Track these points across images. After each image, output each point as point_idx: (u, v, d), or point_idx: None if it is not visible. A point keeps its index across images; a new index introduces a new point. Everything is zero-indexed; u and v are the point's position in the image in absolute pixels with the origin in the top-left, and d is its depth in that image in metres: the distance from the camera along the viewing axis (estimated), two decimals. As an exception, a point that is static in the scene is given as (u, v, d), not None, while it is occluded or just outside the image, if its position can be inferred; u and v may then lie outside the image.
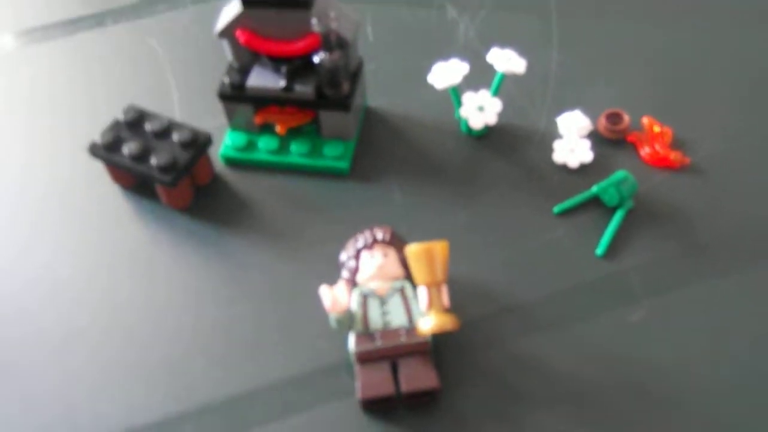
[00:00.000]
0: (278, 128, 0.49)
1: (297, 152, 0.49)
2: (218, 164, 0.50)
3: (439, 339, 0.40)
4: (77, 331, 0.43)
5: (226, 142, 0.50)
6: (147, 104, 0.49)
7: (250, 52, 0.47)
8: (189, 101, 0.54)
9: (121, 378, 0.41)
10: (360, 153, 0.50)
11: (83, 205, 0.49)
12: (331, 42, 0.44)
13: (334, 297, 0.38)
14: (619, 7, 0.59)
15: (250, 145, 0.50)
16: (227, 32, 0.46)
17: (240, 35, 0.45)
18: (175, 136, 0.46)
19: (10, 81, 0.57)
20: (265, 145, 0.49)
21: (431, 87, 0.50)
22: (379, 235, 0.41)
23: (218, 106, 0.50)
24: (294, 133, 0.50)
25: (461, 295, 0.42)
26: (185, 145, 0.46)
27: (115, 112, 0.49)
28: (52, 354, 0.42)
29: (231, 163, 0.50)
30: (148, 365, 0.41)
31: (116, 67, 0.57)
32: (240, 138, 0.50)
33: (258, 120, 0.49)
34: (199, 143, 0.46)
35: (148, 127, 0.47)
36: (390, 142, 0.51)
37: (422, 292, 0.38)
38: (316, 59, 0.45)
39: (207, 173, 0.49)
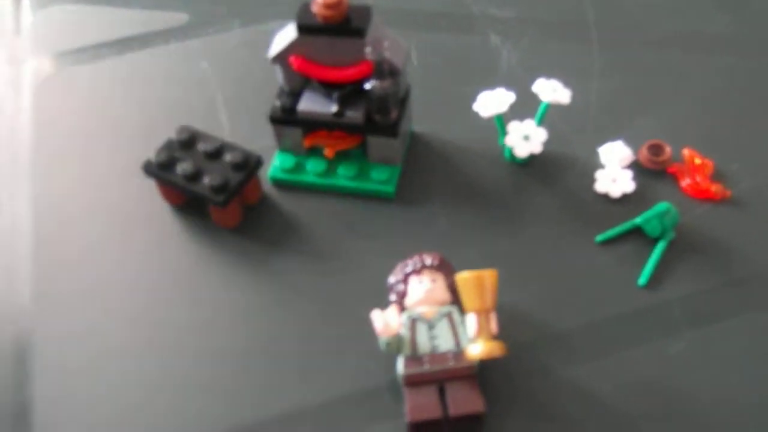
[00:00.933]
0: (326, 151, 0.50)
1: (344, 175, 0.50)
2: (266, 185, 0.51)
3: (483, 364, 0.41)
4: (126, 347, 0.44)
5: (274, 164, 0.51)
6: (197, 124, 0.51)
7: (302, 76, 0.48)
8: (238, 122, 0.55)
9: (170, 395, 0.42)
10: (405, 177, 0.51)
11: (135, 222, 0.50)
12: (384, 70, 0.45)
13: (386, 321, 0.39)
14: (660, 38, 0.60)
15: (298, 167, 0.51)
16: (281, 57, 0.47)
17: (294, 61, 0.47)
18: (227, 157, 0.48)
19: (62, 100, 0.59)
20: (313, 167, 0.51)
21: (474, 113, 0.51)
22: (428, 260, 0.42)
23: (267, 128, 0.51)
24: (341, 156, 0.51)
25: (504, 322, 0.42)
26: (237, 166, 0.47)
27: (166, 132, 0.50)
28: (103, 367, 0.43)
29: (279, 184, 0.51)
30: (197, 383, 0.43)
31: (166, 88, 0.58)
32: (288, 160, 0.51)
33: (307, 143, 0.50)
34: (250, 164, 0.48)
35: (201, 147, 0.48)
36: (434, 167, 0.52)
37: (471, 318, 0.39)
38: (367, 86, 0.46)
39: (256, 193, 0.50)
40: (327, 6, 0.44)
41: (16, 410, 0.42)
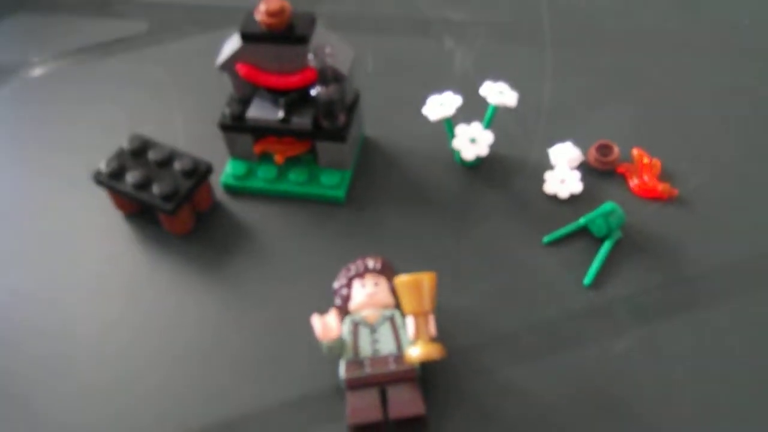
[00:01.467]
0: (276, 158, 0.50)
1: (295, 181, 0.51)
2: (218, 191, 0.52)
3: (426, 366, 0.41)
4: (78, 352, 0.44)
5: (226, 170, 0.52)
6: (153, 132, 0.51)
7: (250, 84, 0.49)
8: (193, 129, 0.56)
9: (121, 399, 0.42)
10: (356, 182, 0.51)
11: (87, 230, 0.50)
12: (327, 76, 0.46)
13: (325, 325, 0.39)
14: (612, 41, 0.60)
15: (250, 174, 0.51)
16: (228, 65, 0.48)
17: (240, 68, 0.47)
18: (177, 165, 0.48)
19: (20, 107, 0.59)
20: (264, 173, 0.51)
21: (426, 117, 0.52)
22: (371, 264, 0.42)
23: (221, 134, 0.51)
24: (292, 162, 0.51)
25: (449, 324, 0.43)
26: (186, 173, 0.48)
27: (121, 139, 0.51)
28: (50, 373, 0.44)
29: (231, 190, 0.52)
30: (148, 387, 0.43)
31: (123, 95, 0.59)
32: (240, 166, 0.51)
33: (257, 149, 0.51)
34: (199, 172, 0.48)
35: (151, 156, 0.49)
36: (385, 171, 0.52)
37: (410, 321, 0.39)
38: (312, 92, 0.47)
39: (207, 200, 0.50)
40: (270, 14, 0.44)
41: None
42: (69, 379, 0.43)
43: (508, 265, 0.47)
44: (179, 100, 0.58)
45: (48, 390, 0.43)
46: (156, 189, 0.47)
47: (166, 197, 0.47)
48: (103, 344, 0.45)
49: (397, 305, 0.41)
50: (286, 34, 0.45)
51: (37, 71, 0.62)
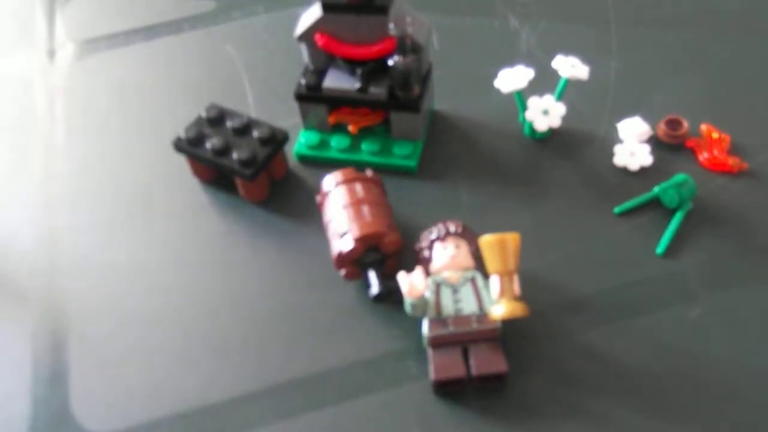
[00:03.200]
0: (350, 128, 0.51)
1: (368, 151, 0.52)
2: (292, 162, 0.53)
3: (506, 327, 0.42)
4: (160, 315, 0.46)
5: (300, 140, 0.53)
6: (224, 106, 0.52)
7: (326, 55, 0.50)
8: (263, 103, 0.57)
9: (203, 357, 0.44)
10: (427, 153, 0.52)
11: (167, 197, 0.52)
12: (406, 46, 0.47)
13: (412, 283, 0.40)
14: (676, 16, 0.61)
15: (323, 144, 0.53)
16: (306, 36, 0.49)
17: (319, 39, 0.48)
18: (255, 133, 0.49)
19: (95, 84, 0.61)
20: (338, 143, 0.52)
21: (495, 92, 0.52)
22: (452, 227, 0.43)
23: (291, 108, 0.52)
24: (365, 132, 0.52)
25: (527, 289, 0.43)
26: (264, 141, 0.49)
27: (195, 111, 0.52)
28: (137, 335, 0.45)
29: (304, 160, 0.53)
30: (227, 347, 0.44)
31: (194, 71, 0.60)
32: (313, 137, 0.53)
33: (332, 120, 0.52)
34: (277, 139, 0.49)
35: (229, 123, 0.50)
36: (456, 143, 0.53)
37: (494, 280, 0.40)
38: (390, 62, 0.48)
39: (282, 169, 0.51)
40: (351, -16, 0.46)
41: (53, 374, 0.44)
42: (144, 342, 0.45)
43: (581, 235, 0.47)
44: (249, 76, 0.59)
45: (122, 353, 0.44)
46: (235, 155, 0.48)
47: (245, 163, 0.48)
48: (180, 306, 0.46)
49: (478, 267, 0.42)
50: (367, 4, 0.46)
51: (108, 48, 0.63)
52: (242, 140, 0.49)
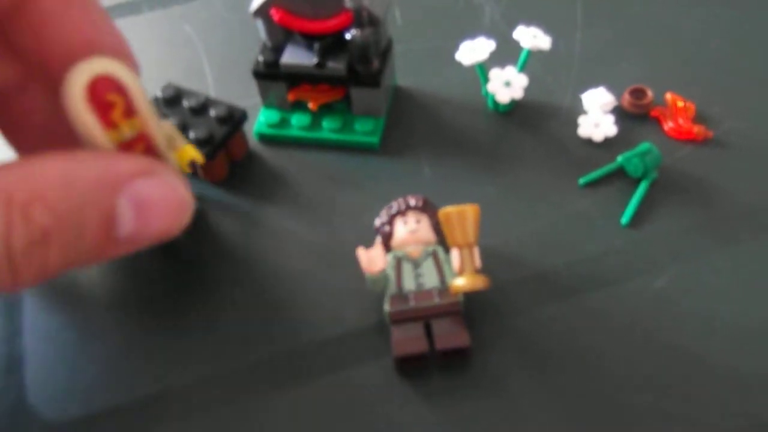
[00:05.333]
0: (310, 105, 0.50)
1: (329, 128, 0.51)
2: (252, 142, 0.52)
3: (469, 302, 0.41)
4: (118, 298, 0.45)
5: (259, 120, 0.52)
6: (184, 86, 0.51)
7: (283, 30, 0.49)
8: (223, 83, 0.56)
9: (162, 341, 0.43)
10: (390, 129, 0.52)
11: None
12: (363, 19, 0.46)
13: (370, 258, 0.40)
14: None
15: (283, 122, 0.52)
16: (262, 11, 0.48)
17: (274, 13, 0.47)
18: (212, 112, 0.48)
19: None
20: (298, 121, 0.51)
21: (457, 66, 0.52)
22: (412, 201, 0.42)
23: (251, 87, 0.51)
24: (325, 110, 0.51)
25: (490, 262, 0.42)
26: (222, 120, 0.48)
27: (153, 91, 0.51)
28: (94, 320, 0.44)
29: (265, 139, 0.52)
30: (187, 330, 0.43)
31: (153, 52, 0.59)
32: (273, 115, 0.51)
33: (291, 97, 0.51)
34: (234, 118, 0.48)
35: (186, 103, 0.49)
36: (418, 119, 0.52)
37: (455, 253, 0.39)
38: (348, 36, 0.47)
39: (242, 149, 0.50)
40: (305, -44, 0.44)
41: (9, 364, 0.43)
42: (111, 329, 0.44)
43: (545, 207, 0.47)
44: (207, 56, 0.58)
45: (95, 339, 0.43)
46: (191, 135, 0.47)
47: (202, 142, 0.47)
48: (136, 290, 0.45)
49: (440, 242, 0.41)
50: (322, -24, 0.45)
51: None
52: (199, 120, 0.48)
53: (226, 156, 0.49)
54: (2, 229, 0.23)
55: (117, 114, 0.28)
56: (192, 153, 0.34)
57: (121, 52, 0.30)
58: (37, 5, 0.28)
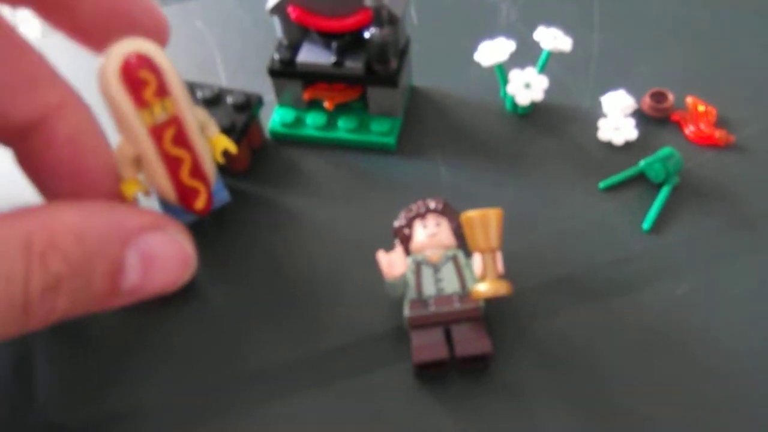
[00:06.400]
0: (326, 104, 0.50)
1: (344, 128, 0.50)
2: (267, 139, 0.51)
3: (490, 307, 0.40)
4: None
5: (274, 118, 0.51)
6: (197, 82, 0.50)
7: (300, 28, 0.48)
8: (237, 80, 0.55)
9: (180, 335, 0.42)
10: (406, 130, 0.51)
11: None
12: (382, 18, 0.45)
13: (391, 261, 0.39)
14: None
15: (298, 121, 0.51)
16: (279, 8, 0.47)
17: (292, 11, 0.46)
18: (229, 100, 0.47)
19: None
20: (313, 121, 0.50)
21: (475, 67, 0.51)
22: (432, 204, 0.41)
23: (265, 85, 0.50)
24: (341, 109, 0.51)
25: (510, 267, 0.42)
26: (239, 107, 0.47)
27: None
28: (106, 318, 0.43)
29: (279, 138, 0.51)
30: (201, 331, 0.42)
31: (166, 49, 0.58)
32: (288, 114, 0.51)
33: (307, 96, 0.50)
34: (252, 104, 0.47)
35: (200, 94, 0.48)
36: (435, 119, 0.51)
37: (477, 258, 0.39)
38: (366, 35, 0.46)
39: (259, 136, 0.50)
40: (324, -46, 0.44)
41: (18, 361, 0.42)
42: (121, 328, 0.43)
43: (565, 211, 0.46)
44: (220, 53, 0.57)
45: (106, 339, 0.43)
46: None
47: (225, 131, 0.46)
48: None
49: (459, 246, 0.41)
50: (341, -26, 0.44)
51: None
52: (216, 109, 0.47)
53: (248, 143, 0.48)
54: (23, 275, 0.24)
55: (149, 92, 0.28)
56: (225, 142, 0.34)
57: (153, 18, 0.30)
58: None
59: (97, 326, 0.43)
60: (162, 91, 0.28)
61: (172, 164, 0.30)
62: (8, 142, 0.31)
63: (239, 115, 0.47)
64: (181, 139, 0.30)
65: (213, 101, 0.47)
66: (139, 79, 0.27)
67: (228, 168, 0.48)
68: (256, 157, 0.50)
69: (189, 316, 0.43)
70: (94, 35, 0.30)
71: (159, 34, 0.30)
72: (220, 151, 0.34)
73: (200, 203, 0.32)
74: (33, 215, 0.25)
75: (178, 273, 0.28)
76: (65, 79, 0.32)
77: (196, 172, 0.31)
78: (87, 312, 0.27)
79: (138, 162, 0.31)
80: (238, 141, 0.46)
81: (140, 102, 0.28)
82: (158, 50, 0.28)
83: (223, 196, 0.43)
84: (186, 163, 0.30)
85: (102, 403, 0.40)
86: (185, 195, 0.31)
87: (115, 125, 0.29)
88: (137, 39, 0.28)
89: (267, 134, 0.51)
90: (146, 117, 0.28)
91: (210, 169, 0.32)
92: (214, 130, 0.33)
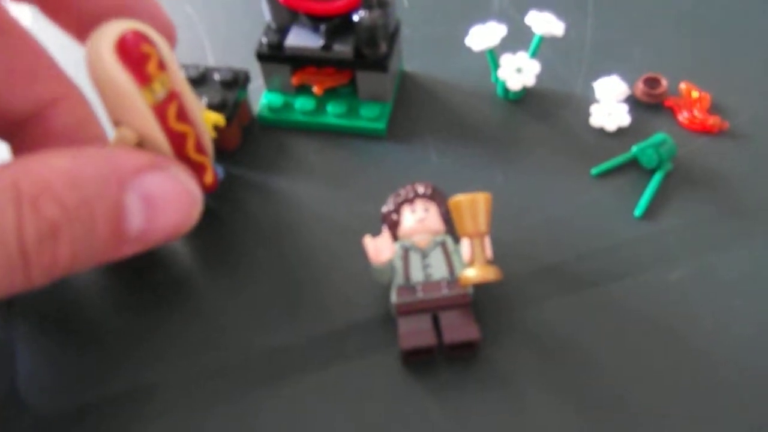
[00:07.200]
0: (315, 89, 0.49)
1: (334, 113, 0.49)
2: (254, 128, 0.50)
3: (478, 294, 0.40)
4: (113, 287, 0.43)
5: (262, 103, 0.50)
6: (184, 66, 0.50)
7: (289, 11, 0.47)
8: (224, 65, 0.54)
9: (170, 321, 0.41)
10: (396, 115, 0.50)
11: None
12: (372, 1, 0.44)
13: (377, 247, 0.38)
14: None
15: (287, 106, 0.50)
16: (267, -10, 0.46)
17: (280, -7, 0.46)
18: (216, 77, 0.47)
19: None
20: (302, 105, 0.49)
21: (466, 52, 0.50)
22: (421, 189, 0.41)
23: (253, 70, 0.49)
24: (330, 94, 0.50)
25: (500, 253, 0.41)
26: (228, 84, 0.47)
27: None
28: (88, 308, 0.43)
29: (268, 123, 0.50)
30: (186, 316, 0.42)
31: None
32: (276, 99, 0.50)
33: (295, 81, 0.49)
34: (240, 80, 0.47)
35: (186, 74, 0.47)
36: (426, 105, 0.51)
37: (465, 243, 0.38)
38: (355, 18, 0.45)
39: (247, 114, 0.49)
40: (312, -66, 0.43)
41: None
42: (104, 317, 0.42)
43: (556, 197, 0.45)
44: (209, 37, 0.57)
45: (89, 328, 0.42)
46: (204, 100, 0.45)
47: (218, 107, 0.45)
48: (154, 261, 0.44)
49: (448, 231, 0.40)
50: (330, -44, 0.43)
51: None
52: (204, 89, 0.47)
53: (239, 123, 0.48)
54: (14, 223, 0.22)
55: (152, 66, 0.26)
56: (214, 117, 0.33)
57: (157, 16, 0.29)
58: None
59: (92, 318, 0.42)
60: (162, 64, 0.27)
61: (178, 141, 0.29)
62: (4, 134, 0.31)
63: (229, 92, 0.46)
64: (184, 113, 0.29)
65: (199, 81, 0.47)
66: (141, 53, 0.26)
67: (218, 147, 0.47)
68: (244, 137, 0.49)
69: (175, 302, 0.42)
70: None
71: (166, 36, 0.29)
72: (212, 126, 0.33)
73: (209, 177, 0.31)
74: (20, 162, 0.23)
75: (184, 213, 0.27)
76: (64, 70, 0.31)
77: (200, 146, 0.30)
78: (97, 262, 0.25)
79: (140, 147, 0.30)
80: (230, 117, 0.45)
81: (143, 78, 0.26)
82: (146, 25, 0.27)
83: (218, 171, 0.42)
84: (191, 138, 0.29)
85: (98, 391, 0.39)
86: (193, 171, 0.30)
87: (108, 112, 0.28)
88: (125, 19, 0.27)
89: (255, 114, 0.50)
90: (148, 96, 0.27)
91: (209, 142, 0.31)
92: (201, 106, 0.33)
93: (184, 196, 0.26)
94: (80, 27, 0.29)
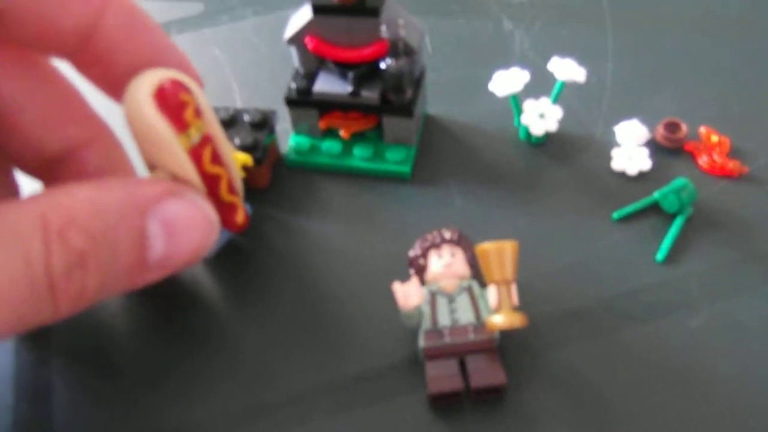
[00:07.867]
0: (342, 132, 0.50)
1: (360, 156, 0.50)
2: (282, 168, 0.52)
3: (504, 338, 0.41)
4: (146, 326, 0.44)
5: (289, 146, 0.52)
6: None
7: (317, 58, 0.49)
8: (251, 106, 0.55)
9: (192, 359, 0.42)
10: (421, 159, 0.51)
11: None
12: (399, 49, 0.45)
13: (406, 292, 0.39)
14: (674, 19, 0.60)
15: (314, 149, 0.51)
16: (296, 39, 0.48)
17: (309, 42, 0.47)
18: (245, 118, 0.48)
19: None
20: (329, 148, 0.51)
21: (489, 96, 0.51)
22: (447, 235, 0.42)
23: (280, 113, 0.51)
24: (356, 137, 0.51)
25: (524, 298, 0.42)
26: (257, 125, 0.48)
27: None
28: (123, 348, 0.43)
29: (294, 166, 0.51)
30: (218, 357, 0.43)
31: (181, 74, 0.59)
32: (304, 142, 0.51)
33: (322, 125, 0.50)
34: (269, 121, 0.49)
35: (217, 116, 0.48)
36: (450, 148, 0.52)
37: (492, 290, 0.39)
38: (382, 65, 0.46)
39: (275, 152, 0.51)
40: (341, -14, 0.44)
41: (36, 390, 0.42)
42: (139, 357, 0.43)
43: (578, 241, 0.46)
44: (237, 80, 0.58)
45: (124, 368, 0.43)
46: (237, 142, 0.47)
47: (249, 148, 0.47)
48: (185, 303, 0.45)
49: (474, 276, 0.41)
50: (359, 7, 0.45)
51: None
52: (235, 129, 0.48)
53: (270, 162, 0.50)
54: (42, 254, 0.23)
55: (189, 113, 0.27)
56: (242, 157, 0.34)
57: (186, 69, 0.31)
58: (105, 33, 0.29)
59: (120, 354, 0.43)
60: (198, 111, 0.28)
61: (212, 183, 0.30)
62: (39, 174, 0.32)
63: (259, 133, 0.48)
64: (217, 156, 0.29)
65: (229, 122, 0.48)
66: (179, 101, 0.27)
67: (248, 186, 0.48)
68: (273, 177, 0.51)
69: (205, 342, 0.43)
70: None
71: (187, 72, 0.31)
72: (241, 166, 0.34)
73: (240, 217, 0.32)
74: (46, 195, 0.24)
75: (203, 237, 0.28)
76: (97, 113, 0.32)
77: (232, 187, 0.31)
78: (122, 290, 0.26)
79: None
80: (262, 158, 0.47)
81: (181, 125, 0.27)
82: (181, 73, 0.28)
83: (247, 208, 0.43)
84: (224, 180, 0.30)
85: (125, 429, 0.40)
86: (225, 212, 0.31)
87: (144, 156, 0.29)
88: (161, 69, 0.28)
89: (283, 167, 0.52)
90: (185, 141, 0.28)
91: (240, 183, 0.32)
92: (231, 147, 0.34)
93: (202, 221, 0.27)
94: (112, 82, 0.30)
